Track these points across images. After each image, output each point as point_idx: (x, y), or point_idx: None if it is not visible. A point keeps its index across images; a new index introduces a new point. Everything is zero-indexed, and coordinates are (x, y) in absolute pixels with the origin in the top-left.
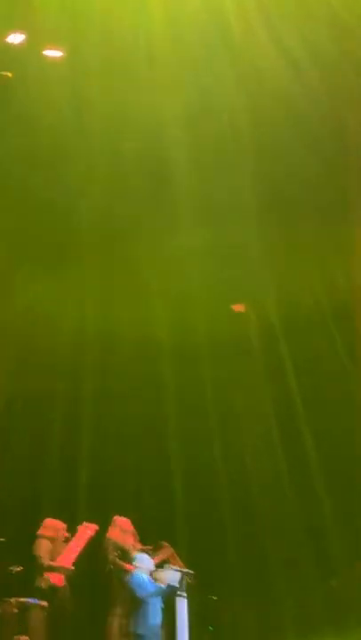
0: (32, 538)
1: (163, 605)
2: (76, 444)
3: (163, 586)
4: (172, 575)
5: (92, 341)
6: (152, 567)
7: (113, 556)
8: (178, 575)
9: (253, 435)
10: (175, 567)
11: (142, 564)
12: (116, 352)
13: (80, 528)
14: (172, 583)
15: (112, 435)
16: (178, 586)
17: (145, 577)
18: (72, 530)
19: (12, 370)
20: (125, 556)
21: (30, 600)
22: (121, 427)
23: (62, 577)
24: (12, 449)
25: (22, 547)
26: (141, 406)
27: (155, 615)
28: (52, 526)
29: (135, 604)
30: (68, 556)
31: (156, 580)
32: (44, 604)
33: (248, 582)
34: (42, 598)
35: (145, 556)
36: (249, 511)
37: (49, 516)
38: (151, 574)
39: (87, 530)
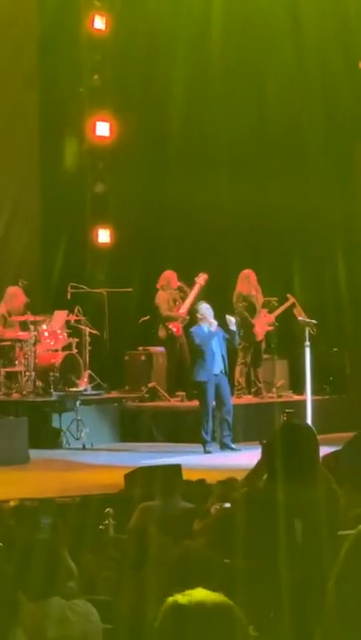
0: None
1: (224, 354)
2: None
3: (212, 330)
4: (229, 320)
5: None
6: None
7: (239, 306)
8: (233, 320)
9: None
10: (300, 317)
11: (205, 314)
12: None
13: (196, 279)
14: (230, 327)
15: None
16: (235, 330)
17: (204, 327)
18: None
19: None
20: (251, 306)
21: (157, 349)
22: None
23: (179, 325)
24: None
25: (149, 297)
26: None
27: (211, 363)
28: (167, 277)
29: (195, 354)
30: (185, 305)
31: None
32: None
33: (359, 335)
34: (162, 346)
35: (206, 306)
36: None
37: (169, 268)
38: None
39: (199, 280)
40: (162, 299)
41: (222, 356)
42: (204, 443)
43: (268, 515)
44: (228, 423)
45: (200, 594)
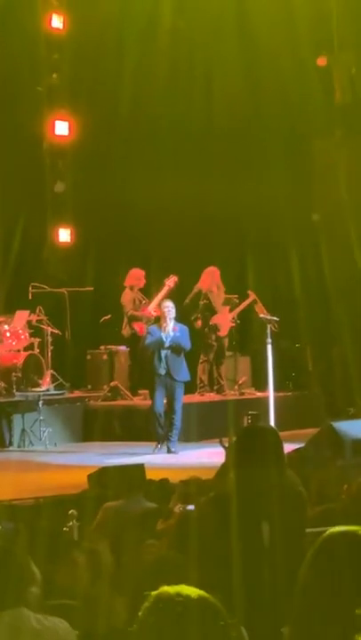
0: (122, 286)
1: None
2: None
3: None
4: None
5: None
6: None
7: (201, 303)
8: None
9: None
10: (261, 314)
11: (164, 314)
12: None
13: (166, 280)
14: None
15: None
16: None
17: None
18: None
19: None
20: (210, 304)
21: (119, 347)
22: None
23: (143, 325)
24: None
25: (111, 296)
26: None
27: (158, 364)
28: (135, 276)
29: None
30: (152, 305)
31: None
32: (126, 349)
33: (321, 331)
34: (126, 344)
35: (168, 306)
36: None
37: (135, 266)
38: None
39: (168, 282)
40: (128, 297)
41: (165, 358)
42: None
43: (235, 517)
44: (173, 425)
45: (186, 589)
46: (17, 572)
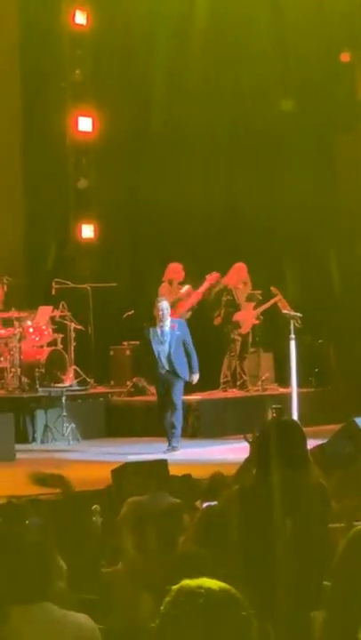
0: (145, 282)
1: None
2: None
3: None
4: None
5: None
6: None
7: (224, 299)
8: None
9: None
10: (284, 310)
11: (162, 313)
12: None
13: (207, 276)
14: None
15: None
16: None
17: (159, 326)
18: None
19: None
20: (233, 300)
21: None
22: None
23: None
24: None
25: (132, 292)
26: None
27: (157, 362)
28: (174, 269)
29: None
30: (188, 303)
31: None
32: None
33: (353, 326)
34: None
35: (165, 305)
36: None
37: (171, 261)
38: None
39: (210, 278)
40: (165, 292)
41: (168, 355)
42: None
43: (259, 512)
44: (171, 423)
45: (207, 582)
46: (44, 567)
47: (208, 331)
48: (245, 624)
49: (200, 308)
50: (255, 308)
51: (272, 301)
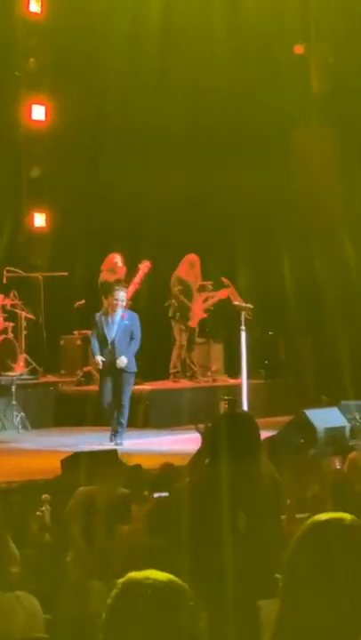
0: (96, 272)
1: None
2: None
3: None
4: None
5: None
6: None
7: (175, 290)
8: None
9: None
10: (235, 302)
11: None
12: None
13: (140, 266)
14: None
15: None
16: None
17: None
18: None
19: None
20: (188, 290)
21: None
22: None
23: None
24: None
25: (83, 282)
26: None
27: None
28: (112, 260)
29: None
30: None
31: None
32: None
33: (303, 319)
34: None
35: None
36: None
37: (114, 251)
38: None
39: (142, 267)
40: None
41: (114, 345)
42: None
43: (211, 504)
44: (120, 418)
45: (154, 573)
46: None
47: (158, 321)
48: (193, 614)
49: (150, 297)
50: (204, 302)
51: (220, 295)
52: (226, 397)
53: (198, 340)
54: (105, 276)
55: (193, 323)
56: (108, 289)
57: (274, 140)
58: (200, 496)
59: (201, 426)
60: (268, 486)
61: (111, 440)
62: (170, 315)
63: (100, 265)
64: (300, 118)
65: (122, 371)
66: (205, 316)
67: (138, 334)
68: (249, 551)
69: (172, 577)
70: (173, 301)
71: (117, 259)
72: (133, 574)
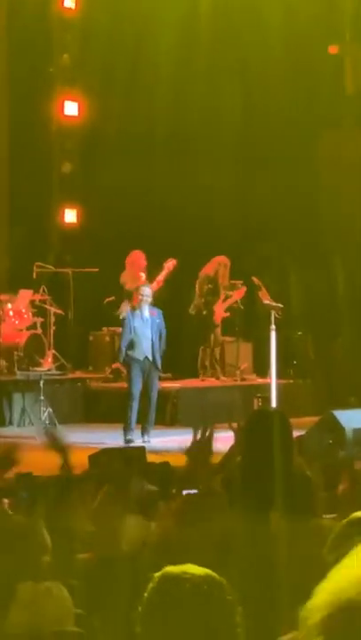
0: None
1: (155, 340)
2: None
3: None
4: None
5: None
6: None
7: (205, 288)
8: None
9: None
10: (265, 301)
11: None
12: None
13: (165, 264)
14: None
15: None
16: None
17: (138, 311)
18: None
19: None
20: (215, 290)
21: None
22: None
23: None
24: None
25: (115, 278)
26: None
27: (137, 348)
28: (134, 256)
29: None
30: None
31: None
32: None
33: (333, 319)
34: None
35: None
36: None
37: (137, 249)
38: None
39: (167, 264)
40: (128, 276)
41: (152, 343)
42: (125, 429)
43: (241, 501)
44: (148, 415)
45: (191, 568)
46: (32, 541)
47: (185, 319)
48: (230, 608)
49: (177, 295)
50: (223, 302)
51: (236, 296)
52: (259, 395)
53: (227, 338)
54: (128, 271)
55: (217, 320)
56: (132, 284)
57: (304, 140)
58: (230, 493)
59: (235, 424)
60: (301, 484)
61: (142, 436)
62: (193, 312)
63: None
64: (332, 119)
65: (155, 368)
66: (227, 315)
67: (165, 333)
68: (284, 550)
69: (209, 571)
70: (199, 299)
71: (140, 255)
72: (170, 568)
